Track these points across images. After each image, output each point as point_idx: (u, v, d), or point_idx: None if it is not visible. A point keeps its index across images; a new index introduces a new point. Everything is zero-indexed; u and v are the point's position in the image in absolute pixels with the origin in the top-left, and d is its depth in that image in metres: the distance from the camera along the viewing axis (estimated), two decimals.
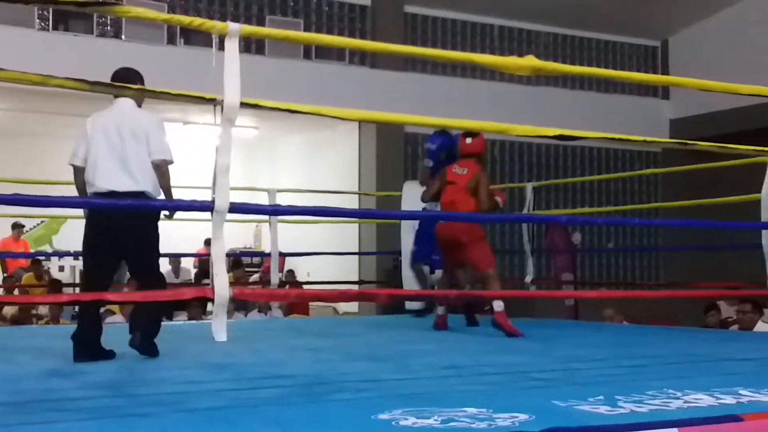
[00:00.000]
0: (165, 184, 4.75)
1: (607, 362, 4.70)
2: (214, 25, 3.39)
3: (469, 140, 6.71)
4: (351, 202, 12.94)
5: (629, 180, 16.22)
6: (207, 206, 3.44)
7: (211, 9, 13.28)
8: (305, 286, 10.92)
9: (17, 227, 12.72)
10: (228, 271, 3.65)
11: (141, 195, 4.65)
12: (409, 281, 8.31)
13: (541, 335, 6.31)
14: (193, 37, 12.70)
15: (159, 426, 2.85)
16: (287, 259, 12.82)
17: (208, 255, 3.82)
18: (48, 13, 12.22)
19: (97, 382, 3.99)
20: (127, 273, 13.28)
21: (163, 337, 4.89)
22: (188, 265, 13.25)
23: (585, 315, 9.37)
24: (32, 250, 13.71)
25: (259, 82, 9.48)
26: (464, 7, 14.85)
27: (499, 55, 4.50)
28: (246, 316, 9.64)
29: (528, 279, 8.63)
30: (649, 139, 4.74)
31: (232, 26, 3.39)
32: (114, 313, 8.95)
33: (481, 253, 6.51)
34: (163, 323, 5.04)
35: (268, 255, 8.69)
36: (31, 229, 14.59)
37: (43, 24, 12.24)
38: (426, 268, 8.21)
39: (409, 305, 8.63)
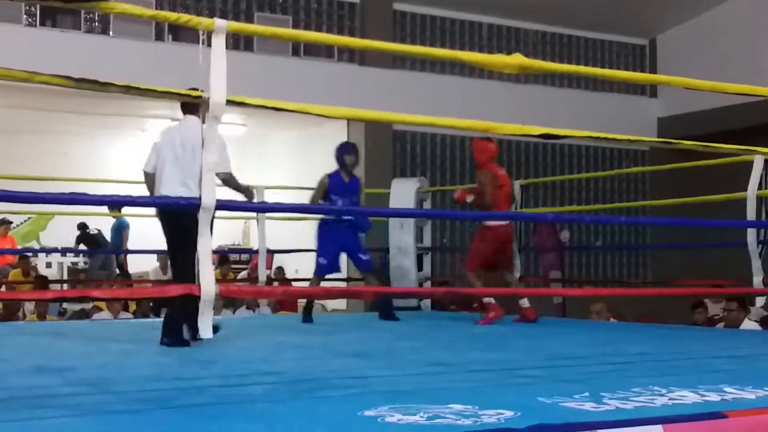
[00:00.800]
0: (236, 186, 5.51)
1: (593, 359, 4.72)
2: (201, 21, 3.38)
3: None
4: None
5: (617, 178, 16.25)
6: (194, 203, 3.43)
7: (199, 5, 13.23)
8: (294, 284, 10.90)
9: (4, 223, 12.66)
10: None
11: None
12: (398, 278, 8.30)
13: (528, 332, 6.33)
14: (182, 33, 12.65)
15: (146, 423, 2.85)
16: (276, 256, 12.80)
17: None
18: (35, 9, 12.15)
19: (84, 378, 3.98)
20: (116, 270, 13.22)
21: (153, 333, 4.88)
22: None
23: (572, 313, 9.38)
24: (19, 247, 13.65)
25: (248, 79, 9.48)
26: (453, 4, 14.85)
27: (488, 52, 4.51)
28: (234, 313, 9.63)
29: (515, 276, 8.64)
30: (633, 138, 4.74)
31: (219, 23, 3.39)
32: (101, 309, 8.92)
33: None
34: (158, 319, 5.10)
35: (257, 252, 8.71)
36: (18, 225, 14.54)
37: (30, 20, 12.18)
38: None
39: (397, 303, 8.63)
